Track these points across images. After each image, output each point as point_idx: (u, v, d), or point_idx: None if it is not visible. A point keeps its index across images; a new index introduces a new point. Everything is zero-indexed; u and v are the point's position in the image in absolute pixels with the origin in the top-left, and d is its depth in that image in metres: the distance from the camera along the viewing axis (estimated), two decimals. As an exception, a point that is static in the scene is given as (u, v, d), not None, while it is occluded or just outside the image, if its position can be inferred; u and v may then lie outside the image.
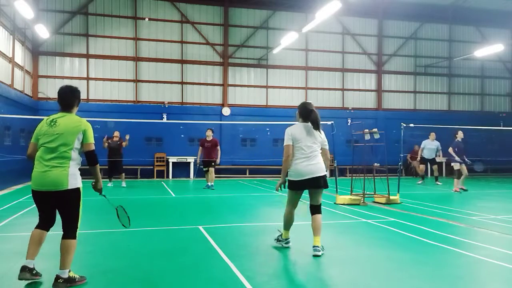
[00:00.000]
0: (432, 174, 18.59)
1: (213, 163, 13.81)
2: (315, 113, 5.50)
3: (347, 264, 4.98)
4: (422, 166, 16.55)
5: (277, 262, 5.10)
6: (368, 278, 4.42)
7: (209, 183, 13.91)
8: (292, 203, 5.64)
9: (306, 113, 5.56)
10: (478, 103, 24.47)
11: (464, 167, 13.48)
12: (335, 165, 11.14)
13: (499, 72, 24.53)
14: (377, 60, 22.69)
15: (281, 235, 5.75)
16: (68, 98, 4.35)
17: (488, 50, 19.20)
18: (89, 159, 4.18)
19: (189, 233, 6.72)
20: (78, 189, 4.15)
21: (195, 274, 4.56)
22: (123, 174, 14.75)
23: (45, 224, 4.23)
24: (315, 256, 5.19)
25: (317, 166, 5.39)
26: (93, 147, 4.18)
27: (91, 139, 4.17)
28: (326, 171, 5.62)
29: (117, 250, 5.61)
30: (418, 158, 16.11)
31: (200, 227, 7.04)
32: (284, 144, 5.46)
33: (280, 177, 5.57)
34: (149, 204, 10.70)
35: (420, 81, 23.49)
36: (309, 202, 5.58)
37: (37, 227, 4.22)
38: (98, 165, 4.22)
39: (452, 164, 13.91)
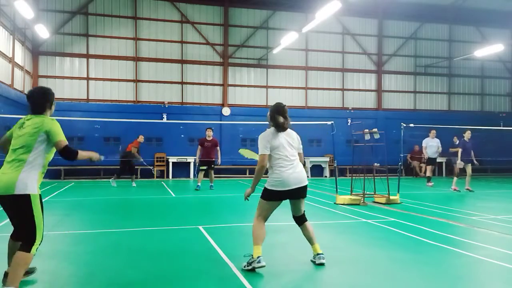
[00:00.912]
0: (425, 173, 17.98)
1: (213, 165, 13.70)
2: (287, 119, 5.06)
3: (347, 264, 4.98)
4: (430, 167, 15.45)
5: (277, 262, 5.10)
6: (368, 278, 4.42)
7: (206, 184, 13.81)
8: (266, 216, 5.04)
9: (279, 116, 5.02)
10: (478, 103, 24.47)
11: (469, 167, 13.53)
12: (335, 165, 11.15)
13: (499, 72, 24.54)
14: (377, 60, 22.68)
15: (251, 256, 4.70)
16: (37, 100, 3.96)
17: (488, 50, 19.20)
18: (65, 156, 3.79)
19: (189, 233, 6.72)
20: (27, 196, 3.66)
21: (195, 274, 4.56)
22: (134, 175, 15.15)
23: (14, 232, 4.02)
24: (320, 264, 4.86)
25: (302, 175, 4.99)
26: (63, 144, 3.76)
27: (58, 136, 3.78)
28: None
29: (117, 250, 5.60)
30: (426, 158, 15.22)
31: (200, 227, 7.04)
32: (259, 153, 4.86)
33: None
34: (149, 204, 10.70)
35: (420, 81, 23.50)
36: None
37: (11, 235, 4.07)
38: (78, 154, 3.85)
39: (456, 162, 14.02)
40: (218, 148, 13.77)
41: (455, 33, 23.85)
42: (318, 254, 4.92)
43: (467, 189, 13.36)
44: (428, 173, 15.20)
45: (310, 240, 5.04)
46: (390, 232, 6.86)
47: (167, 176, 18.94)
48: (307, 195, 5.18)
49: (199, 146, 13.76)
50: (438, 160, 16.11)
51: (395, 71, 23.10)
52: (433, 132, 14.96)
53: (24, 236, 3.73)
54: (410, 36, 23.15)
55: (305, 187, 5.02)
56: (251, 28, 21.10)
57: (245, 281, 4.25)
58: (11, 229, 4.05)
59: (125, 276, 4.44)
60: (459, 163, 13.51)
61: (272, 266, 4.87)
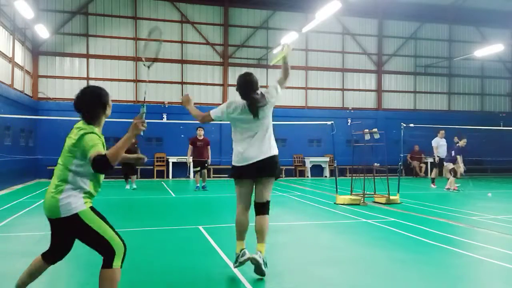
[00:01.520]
0: (430, 173, 17.68)
1: (206, 164, 13.51)
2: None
3: (347, 264, 4.98)
4: (436, 169, 14.98)
5: (277, 262, 5.10)
6: (368, 278, 4.42)
7: (200, 184, 13.55)
8: (243, 201, 4.46)
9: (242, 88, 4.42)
10: (478, 103, 24.47)
11: (460, 167, 13.72)
12: (335, 165, 11.15)
13: (499, 72, 24.53)
14: (377, 60, 22.68)
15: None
16: (86, 103, 3.28)
17: (488, 50, 19.21)
18: (97, 170, 3.05)
19: (189, 233, 6.72)
20: (76, 215, 3.16)
21: (195, 274, 4.56)
22: (135, 176, 14.51)
23: (53, 256, 3.52)
24: (255, 264, 4.22)
25: (261, 149, 4.37)
26: (93, 156, 2.98)
27: (89, 151, 3.02)
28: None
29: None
30: (437, 159, 14.73)
31: (200, 227, 7.03)
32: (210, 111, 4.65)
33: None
34: (149, 204, 10.70)
35: (420, 81, 23.49)
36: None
37: (43, 255, 3.57)
38: (111, 161, 2.99)
39: (445, 163, 14.15)
40: (209, 147, 13.50)
41: (455, 33, 23.85)
42: (257, 252, 4.29)
43: (448, 188, 13.64)
44: (433, 175, 14.95)
45: (257, 235, 4.36)
46: (390, 232, 6.85)
47: (167, 176, 18.94)
48: (279, 176, 4.55)
49: (190, 146, 13.49)
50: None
51: (395, 71, 23.10)
52: (442, 132, 14.69)
53: (101, 253, 3.25)
54: (410, 36, 23.15)
55: (267, 162, 4.33)
56: (251, 28, 21.10)
57: (245, 281, 4.25)
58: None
59: (125, 276, 4.42)
60: (449, 164, 13.70)
61: (272, 266, 4.87)
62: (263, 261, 4.25)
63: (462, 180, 13.68)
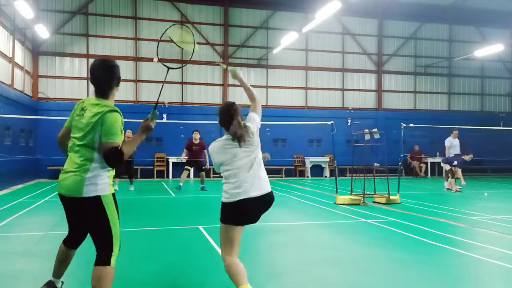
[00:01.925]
0: (446, 174, 16.98)
1: (203, 166, 13.29)
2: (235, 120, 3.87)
3: (347, 264, 4.98)
4: (451, 169, 14.41)
5: (277, 262, 5.10)
6: (368, 278, 4.42)
7: (181, 184, 13.36)
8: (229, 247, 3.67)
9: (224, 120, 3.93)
10: (478, 103, 24.47)
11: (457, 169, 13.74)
12: (335, 165, 11.15)
13: (499, 72, 24.53)
14: (377, 60, 22.68)
15: None
16: (101, 77, 3.24)
17: (488, 50, 19.21)
18: (109, 162, 3.05)
19: (189, 233, 6.72)
20: (98, 198, 3.08)
21: (195, 274, 4.56)
22: (133, 177, 13.88)
23: (71, 239, 3.49)
24: None
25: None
26: (108, 146, 2.99)
27: (108, 135, 3.01)
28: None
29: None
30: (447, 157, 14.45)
31: (200, 227, 7.03)
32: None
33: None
34: (149, 204, 10.70)
35: (420, 81, 23.49)
36: None
37: (64, 241, 3.51)
38: (123, 154, 3.02)
39: (442, 164, 14.15)
40: (206, 151, 13.13)
41: (455, 33, 23.85)
42: None
43: (448, 188, 13.63)
44: (459, 175, 14.27)
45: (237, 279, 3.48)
46: (390, 232, 6.85)
47: (167, 176, 18.94)
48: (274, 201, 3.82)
49: (185, 150, 13.29)
50: (436, 160, 16.06)
51: (395, 71, 23.10)
52: (456, 132, 14.32)
53: (99, 247, 3.16)
54: (410, 36, 23.14)
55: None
56: (251, 28, 21.10)
57: (245, 281, 4.25)
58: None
59: (125, 276, 4.43)
60: (446, 165, 13.77)
61: (272, 266, 4.87)
62: None
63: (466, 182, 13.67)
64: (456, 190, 13.28)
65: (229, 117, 3.87)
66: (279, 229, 7.08)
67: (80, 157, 3.07)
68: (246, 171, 3.62)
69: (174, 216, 8.85)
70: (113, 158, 2.97)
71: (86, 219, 3.19)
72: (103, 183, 3.09)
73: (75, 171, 3.05)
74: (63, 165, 3.25)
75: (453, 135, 14.48)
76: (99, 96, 3.17)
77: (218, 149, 3.75)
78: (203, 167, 13.40)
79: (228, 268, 3.52)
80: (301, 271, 4.69)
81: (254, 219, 3.71)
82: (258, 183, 3.62)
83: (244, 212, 3.58)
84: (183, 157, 13.56)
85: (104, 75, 3.18)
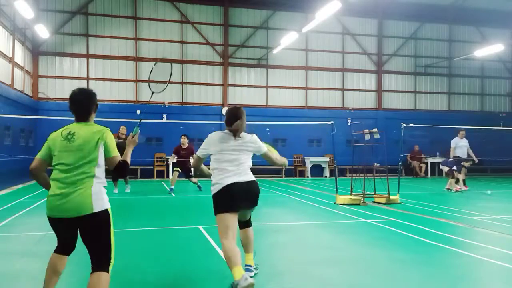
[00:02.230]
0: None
1: (190, 173, 13.01)
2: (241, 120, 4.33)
3: (347, 264, 4.98)
4: (459, 174, 14.33)
5: (277, 262, 5.10)
6: (368, 278, 4.42)
7: (173, 186, 13.07)
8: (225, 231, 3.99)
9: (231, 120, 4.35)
10: (478, 103, 24.47)
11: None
12: (335, 165, 11.15)
13: (499, 72, 24.53)
14: (377, 60, 22.68)
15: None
16: (84, 104, 3.45)
17: (488, 50, 19.21)
18: (119, 173, 3.45)
19: (189, 233, 6.72)
20: (106, 211, 3.30)
21: (195, 274, 4.56)
22: (127, 177, 13.17)
23: (64, 249, 3.56)
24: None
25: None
26: (117, 160, 3.34)
27: (115, 151, 3.33)
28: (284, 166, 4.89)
29: (116, 250, 5.59)
30: (451, 158, 14.29)
31: (200, 227, 7.03)
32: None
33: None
34: (149, 204, 10.70)
35: (420, 81, 23.50)
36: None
37: (55, 251, 3.56)
38: (128, 163, 3.47)
39: (441, 166, 14.18)
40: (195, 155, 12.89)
41: (455, 33, 23.85)
42: (246, 265, 4.29)
43: (448, 188, 13.67)
44: (462, 176, 14.26)
45: (244, 248, 4.44)
46: (390, 232, 6.85)
47: (167, 176, 18.93)
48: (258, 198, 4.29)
49: (173, 155, 13.08)
50: (436, 160, 15.99)
51: (395, 71, 23.10)
52: (463, 132, 14.26)
53: (100, 257, 3.35)
54: (410, 36, 23.15)
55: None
56: (251, 28, 21.09)
57: (245, 281, 4.24)
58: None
59: (125, 276, 4.43)
60: (444, 167, 13.85)
61: (272, 266, 4.87)
62: (256, 267, 4.48)
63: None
64: (456, 190, 13.28)
65: (236, 116, 4.35)
66: (279, 229, 7.08)
67: (80, 176, 3.19)
68: (232, 166, 4.13)
69: (174, 216, 8.85)
70: (122, 170, 3.39)
71: (91, 234, 3.29)
72: (105, 196, 3.31)
73: (79, 189, 3.15)
74: None
75: (460, 136, 14.32)
76: (81, 121, 3.38)
77: (216, 139, 4.31)
78: (190, 174, 13.05)
79: (225, 251, 3.88)
80: (301, 271, 4.69)
81: (242, 203, 4.09)
82: (242, 174, 4.15)
83: (231, 196, 4.00)
84: (172, 159, 13.40)
85: (84, 103, 3.41)
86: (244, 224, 4.46)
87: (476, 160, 14.41)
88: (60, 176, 3.20)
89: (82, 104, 3.39)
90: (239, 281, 3.64)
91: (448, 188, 13.64)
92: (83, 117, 3.38)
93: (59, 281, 3.65)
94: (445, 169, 13.95)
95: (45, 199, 3.30)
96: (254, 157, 4.67)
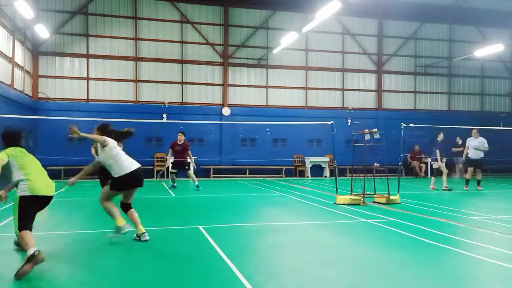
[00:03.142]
0: (463, 175, 16.05)
1: (186, 166, 13.96)
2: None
3: (347, 264, 4.98)
4: (469, 169, 14.23)
5: (277, 262, 5.10)
6: (368, 278, 4.42)
7: (175, 184, 14.13)
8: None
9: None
10: (478, 103, 24.47)
11: (443, 166, 13.86)
12: (335, 165, 11.15)
13: (499, 72, 24.54)
14: (377, 60, 22.69)
15: (117, 228, 6.08)
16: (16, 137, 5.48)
17: (488, 50, 19.20)
18: None
19: (189, 233, 6.71)
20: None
21: (195, 274, 4.56)
22: None
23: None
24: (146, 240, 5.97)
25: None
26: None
27: None
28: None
29: (117, 250, 5.60)
30: (463, 159, 14.40)
31: (200, 227, 7.03)
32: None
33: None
34: (149, 204, 10.69)
35: (420, 81, 23.50)
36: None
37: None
38: None
39: (432, 162, 14.29)
40: (189, 152, 13.88)
41: (455, 33, 23.85)
42: (143, 233, 6.08)
43: (446, 187, 13.79)
44: (468, 176, 14.24)
45: (136, 223, 6.20)
46: (390, 232, 6.85)
47: (167, 176, 18.92)
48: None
49: (170, 150, 14.06)
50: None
51: (395, 71, 23.11)
52: (476, 131, 14.13)
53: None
54: (410, 36, 23.15)
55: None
56: (251, 28, 21.10)
57: (245, 281, 4.25)
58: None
59: (125, 276, 4.44)
60: (435, 163, 13.89)
61: (272, 266, 4.87)
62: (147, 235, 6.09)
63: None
64: (433, 188, 13.69)
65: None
66: (279, 229, 7.08)
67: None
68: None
69: (174, 216, 8.85)
70: None
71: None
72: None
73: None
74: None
75: (474, 135, 14.14)
76: (18, 146, 5.26)
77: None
78: (187, 167, 13.98)
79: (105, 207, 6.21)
80: (301, 271, 4.69)
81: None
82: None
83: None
84: (169, 160, 14.39)
85: (19, 137, 5.35)
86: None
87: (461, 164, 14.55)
88: (37, 168, 5.50)
89: (17, 138, 5.44)
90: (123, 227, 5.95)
91: (433, 187, 13.92)
92: (18, 145, 5.37)
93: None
94: (435, 165, 13.97)
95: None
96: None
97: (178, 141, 13.83)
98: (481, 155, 14.02)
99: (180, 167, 14.00)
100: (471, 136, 14.26)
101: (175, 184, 14.07)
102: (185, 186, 15.67)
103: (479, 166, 14.25)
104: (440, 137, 13.94)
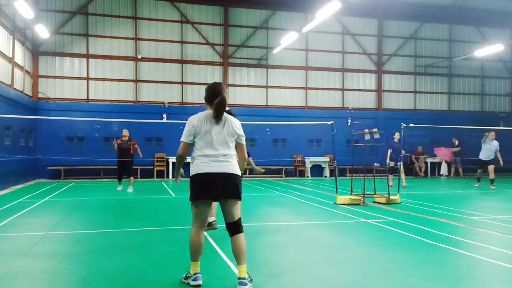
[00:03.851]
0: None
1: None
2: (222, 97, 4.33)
3: (347, 264, 4.98)
4: (490, 167, 14.52)
5: (277, 262, 5.10)
6: (368, 278, 4.42)
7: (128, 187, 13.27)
8: (199, 220, 4.23)
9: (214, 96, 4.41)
10: (478, 103, 24.47)
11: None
12: (335, 165, 11.15)
13: (499, 72, 24.54)
14: (377, 60, 22.69)
15: (188, 271, 4.23)
16: None
17: (488, 50, 19.20)
18: None
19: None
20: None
21: (195, 274, 4.55)
22: (132, 177, 13.31)
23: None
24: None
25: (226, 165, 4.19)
26: None
27: None
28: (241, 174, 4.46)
29: (117, 250, 5.60)
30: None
31: (200, 227, 7.02)
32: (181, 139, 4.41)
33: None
34: (149, 204, 10.69)
35: (420, 81, 23.50)
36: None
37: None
38: None
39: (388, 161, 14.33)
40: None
41: (455, 33, 23.86)
42: (240, 278, 3.94)
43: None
44: (491, 175, 14.45)
45: (236, 258, 4.06)
46: (390, 232, 6.85)
47: (167, 176, 18.93)
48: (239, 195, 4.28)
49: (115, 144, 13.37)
50: (436, 160, 15.85)
51: (395, 71, 23.11)
52: (492, 133, 14.23)
53: None
54: (410, 36, 23.15)
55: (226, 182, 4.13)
56: (251, 28, 21.10)
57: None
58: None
59: (125, 276, 4.43)
60: (389, 163, 13.70)
61: (272, 266, 4.87)
62: (249, 280, 3.99)
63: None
64: (403, 186, 13.83)
65: (217, 92, 4.39)
66: (279, 229, 7.08)
67: None
68: (213, 150, 4.17)
69: (174, 216, 8.84)
70: None
71: None
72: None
73: None
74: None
75: (489, 137, 14.13)
76: None
77: (198, 120, 4.33)
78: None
79: (189, 240, 4.20)
80: (301, 271, 4.68)
81: (214, 192, 4.15)
82: (222, 162, 4.15)
83: (202, 183, 4.17)
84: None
85: None
86: (234, 228, 4.12)
87: (501, 162, 14.40)
88: None
89: None
90: (190, 275, 4.13)
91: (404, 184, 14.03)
92: None
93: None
94: (391, 164, 13.79)
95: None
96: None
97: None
98: (492, 156, 14.33)
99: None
100: (486, 138, 14.27)
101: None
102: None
103: (489, 165, 14.48)
104: (396, 137, 13.66)
